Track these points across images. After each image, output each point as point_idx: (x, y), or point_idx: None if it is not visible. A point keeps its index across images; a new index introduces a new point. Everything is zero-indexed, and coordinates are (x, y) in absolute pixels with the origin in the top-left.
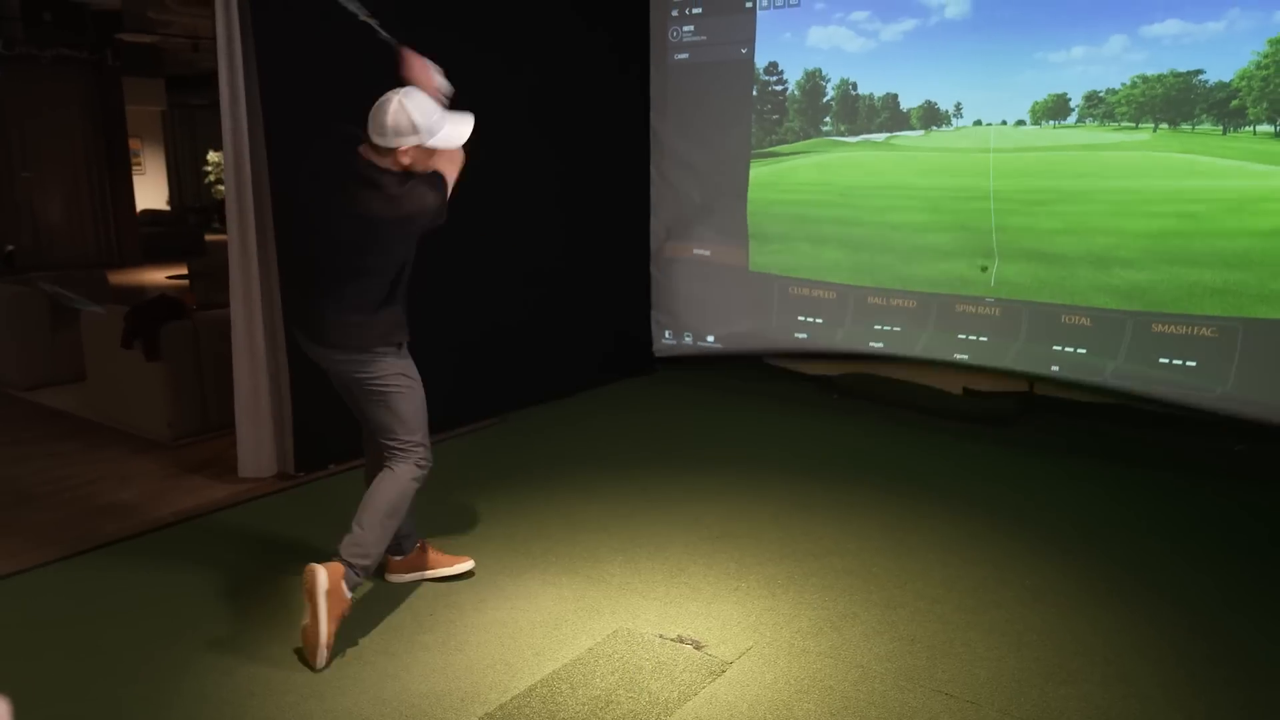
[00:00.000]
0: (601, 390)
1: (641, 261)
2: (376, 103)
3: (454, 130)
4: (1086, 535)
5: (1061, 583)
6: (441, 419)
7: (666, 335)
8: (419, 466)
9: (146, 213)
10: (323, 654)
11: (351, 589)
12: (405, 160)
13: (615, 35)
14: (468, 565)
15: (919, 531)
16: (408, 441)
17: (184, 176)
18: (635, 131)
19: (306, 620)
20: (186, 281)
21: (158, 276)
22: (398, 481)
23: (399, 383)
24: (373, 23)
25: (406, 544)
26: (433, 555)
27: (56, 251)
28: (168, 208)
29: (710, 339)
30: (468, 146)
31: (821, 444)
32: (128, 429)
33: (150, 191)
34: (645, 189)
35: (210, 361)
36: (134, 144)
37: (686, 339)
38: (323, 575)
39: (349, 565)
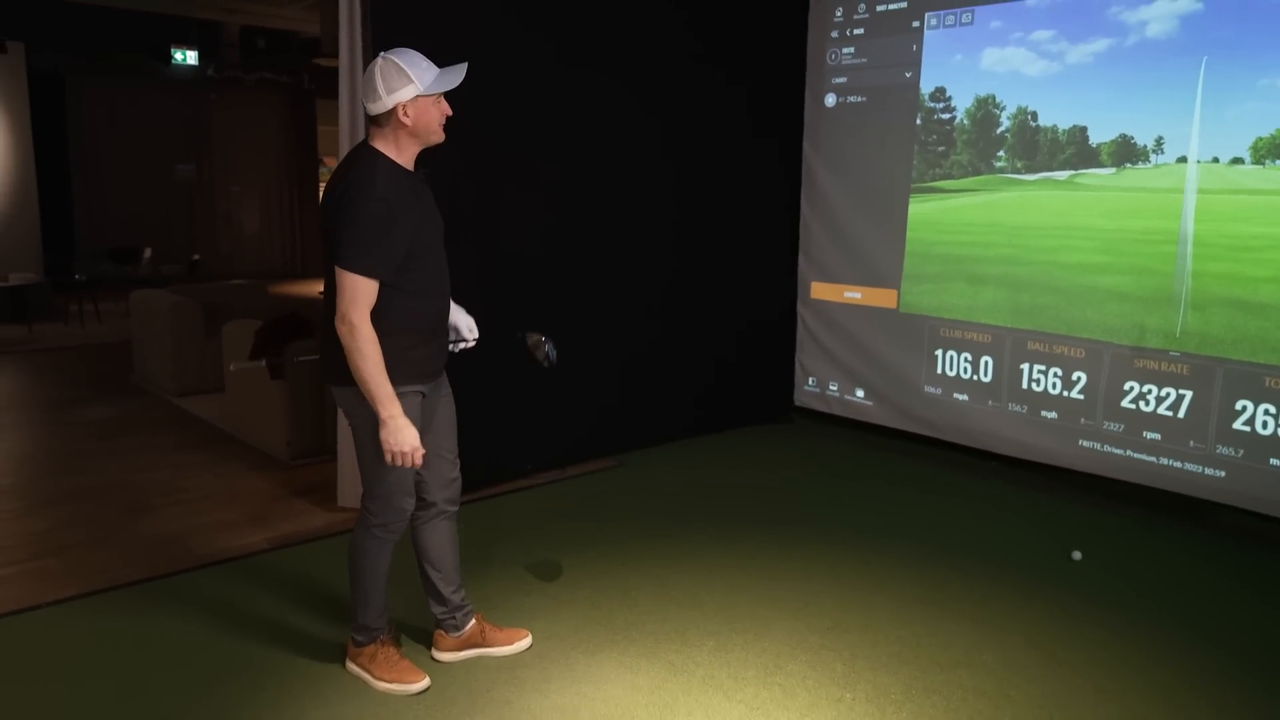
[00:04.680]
0: (731, 436)
1: (787, 301)
2: (364, 77)
3: (447, 77)
4: None
5: None
6: (556, 458)
7: (810, 383)
8: (374, 537)
9: None
10: (408, 689)
11: (365, 644)
12: (407, 120)
13: (770, 58)
14: (526, 643)
15: (1074, 646)
16: (364, 497)
17: None
18: (787, 161)
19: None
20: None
21: (314, 289)
22: (352, 548)
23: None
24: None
25: (460, 617)
26: (489, 631)
27: (244, 262)
28: None
29: (859, 393)
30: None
31: (969, 523)
32: (252, 443)
33: None
34: (794, 223)
35: None
36: (329, 161)
37: (832, 389)
38: (348, 663)
39: (351, 638)
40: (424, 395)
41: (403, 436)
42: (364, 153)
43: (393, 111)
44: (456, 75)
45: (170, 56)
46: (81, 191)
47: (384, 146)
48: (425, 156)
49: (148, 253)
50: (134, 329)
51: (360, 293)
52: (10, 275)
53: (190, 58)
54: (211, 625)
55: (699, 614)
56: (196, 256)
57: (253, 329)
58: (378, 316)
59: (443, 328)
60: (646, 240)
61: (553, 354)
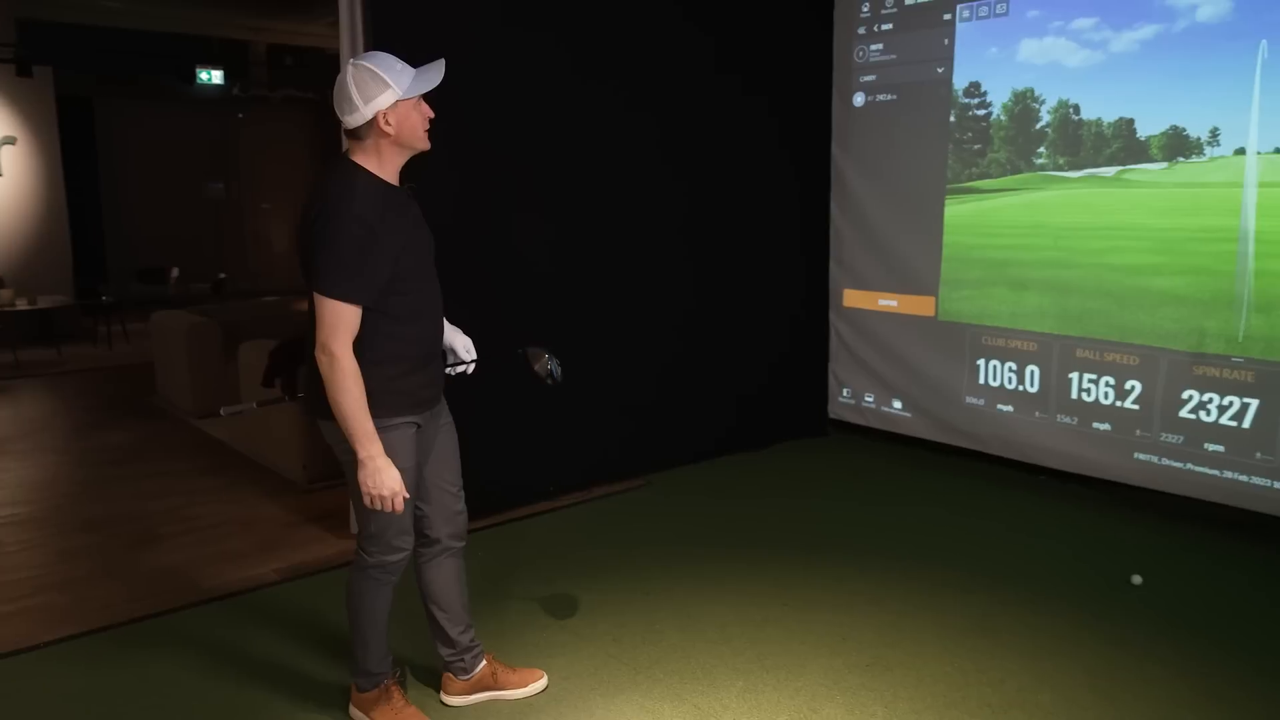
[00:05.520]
0: (764, 452)
1: (818, 310)
2: (334, 89)
3: (425, 77)
4: None
5: None
6: (579, 479)
7: (844, 394)
8: (371, 578)
9: None
10: None
11: (368, 690)
12: (389, 129)
13: (794, 57)
14: (541, 684)
15: (1137, 688)
16: (359, 536)
17: None
18: (814, 163)
19: None
20: None
21: None
22: (349, 591)
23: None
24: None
25: (469, 659)
26: (501, 673)
27: (273, 279)
28: None
29: (897, 405)
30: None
31: (1016, 544)
32: (269, 467)
33: None
34: (824, 228)
35: None
36: None
37: (868, 400)
38: (351, 709)
39: (354, 684)
40: (419, 426)
41: (382, 479)
42: (342, 168)
43: (373, 122)
44: (435, 73)
45: (195, 76)
46: (111, 213)
47: (364, 160)
48: (417, 169)
49: (175, 272)
50: (154, 350)
51: (341, 320)
52: (39, 298)
53: (216, 77)
54: (210, 668)
55: (728, 650)
56: (223, 275)
57: (268, 350)
58: (364, 344)
59: (436, 353)
60: (669, 251)
61: (557, 371)
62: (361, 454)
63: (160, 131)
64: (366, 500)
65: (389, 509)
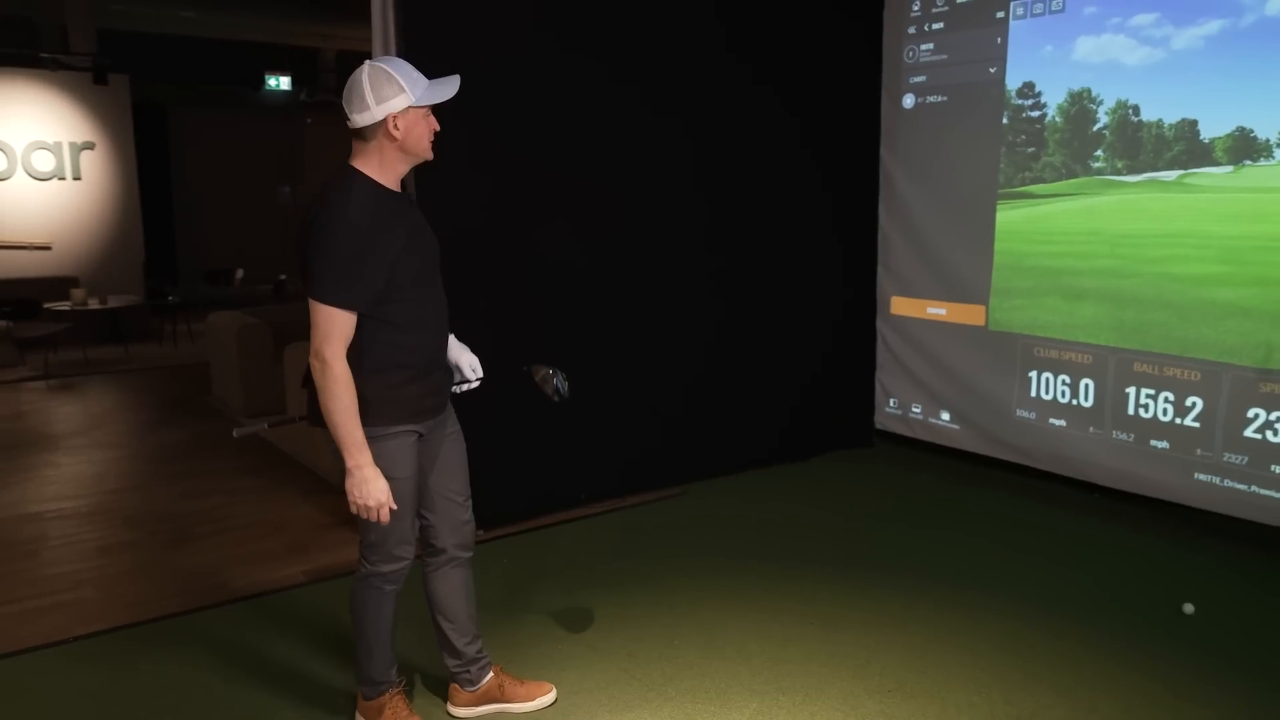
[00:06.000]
0: (807, 464)
1: (865, 317)
2: (346, 86)
3: (439, 89)
4: None
5: None
6: (613, 488)
7: (891, 404)
8: (372, 587)
9: None
10: None
11: (373, 698)
12: (397, 133)
13: (842, 57)
14: (548, 699)
15: None
16: (361, 544)
17: None
18: (862, 167)
19: None
20: None
21: None
22: (352, 601)
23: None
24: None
25: (475, 670)
26: (509, 686)
27: None
28: None
29: (945, 416)
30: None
31: (1062, 566)
32: (310, 468)
33: None
34: (872, 234)
35: None
36: None
37: (915, 411)
38: (357, 717)
39: (359, 692)
40: (421, 435)
41: (369, 489)
42: (342, 173)
43: (381, 124)
44: (449, 88)
45: (263, 83)
46: (182, 215)
47: (365, 165)
48: (443, 172)
49: (239, 274)
50: (209, 351)
51: (335, 327)
52: (110, 298)
53: (283, 83)
54: (223, 669)
55: (745, 669)
56: (283, 276)
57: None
58: (363, 352)
59: (438, 361)
60: (711, 256)
61: (564, 387)
62: (349, 463)
63: (230, 136)
64: (353, 509)
65: (374, 519)
